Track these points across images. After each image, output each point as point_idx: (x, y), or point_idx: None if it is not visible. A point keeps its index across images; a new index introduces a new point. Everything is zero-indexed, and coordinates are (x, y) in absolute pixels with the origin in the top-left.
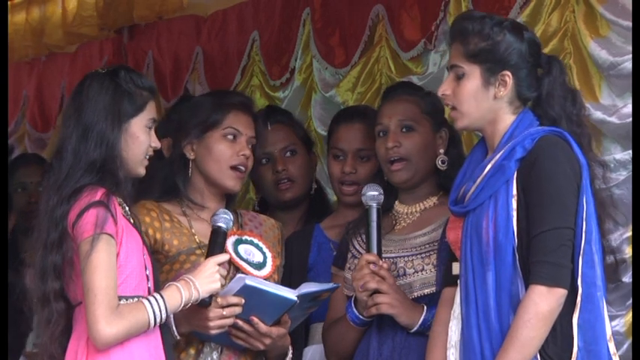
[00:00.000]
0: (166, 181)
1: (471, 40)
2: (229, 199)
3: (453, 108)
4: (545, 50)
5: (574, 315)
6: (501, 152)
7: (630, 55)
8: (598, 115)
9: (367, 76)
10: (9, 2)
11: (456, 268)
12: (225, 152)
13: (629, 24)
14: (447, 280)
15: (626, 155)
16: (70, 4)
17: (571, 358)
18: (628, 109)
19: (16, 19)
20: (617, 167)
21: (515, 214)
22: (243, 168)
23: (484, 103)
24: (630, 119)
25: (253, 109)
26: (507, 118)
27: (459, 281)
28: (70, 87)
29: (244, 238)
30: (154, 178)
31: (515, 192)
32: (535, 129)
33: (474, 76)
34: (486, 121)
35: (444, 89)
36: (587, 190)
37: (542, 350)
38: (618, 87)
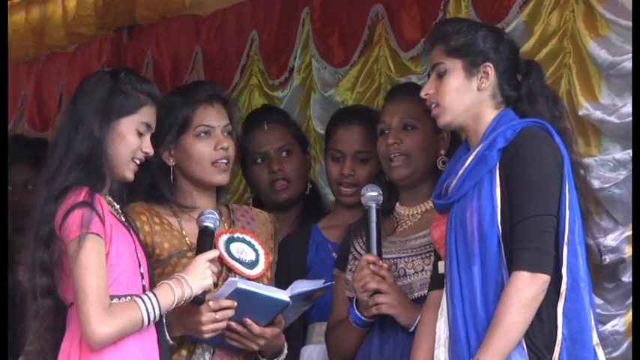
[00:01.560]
0: (152, 189)
1: (452, 38)
2: (219, 193)
3: (436, 105)
4: (545, 50)
5: (559, 304)
6: (483, 144)
7: (630, 55)
8: (597, 114)
9: (366, 75)
10: (8, 2)
11: (441, 266)
12: (203, 151)
13: (629, 23)
14: (433, 282)
15: (626, 155)
16: (70, 3)
17: (555, 345)
18: (627, 108)
19: (16, 18)
20: (617, 167)
21: (499, 203)
22: (225, 160)
23: (467, 96)
24: (630, 119)
25: (221, 96)
26: (489, 113)
27: (444, 279)
28: (69, 86)
29: (236, 235)
30: (137, 187)
31: (498, 182)
32: (517, 121)
33: (456, 69)
34: (469, 116)
35: (427, 89)
36: (570, 180)
37: (529, 340)
38: (618, 86)
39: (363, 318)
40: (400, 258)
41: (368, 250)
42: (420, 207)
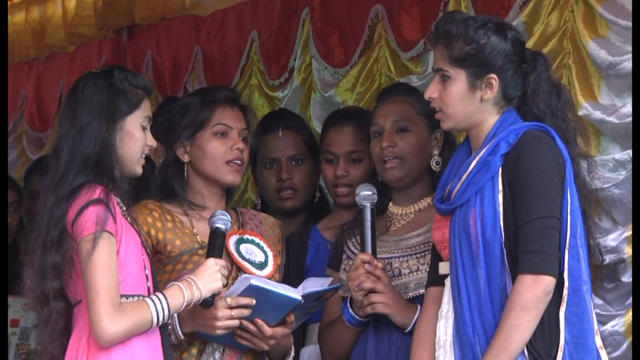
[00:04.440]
0: (164, 185)
1: (455, 45)
2: (228, 196)
3: (440, 110)
4: (545, 50)
5: (561, 308)
6: (485, 148)
7: (629, 55)
8: (597, 114)
9: (367, 75)
10: (8, 2)
11: (442, 267)
12: (218, 149)
13: (629, 24)
14: (432, 279)
15: (626, 155)
16: (70, 3)
17: (558, 351)
18: (627, 108)
19: (16, 19)
20: (617, 167)
21: (501, 209)
22: (239, 161)
23: (470, 106)
24: (629, 119)
25: (240, 100)
26: (492, 119)
27: (447, 280)
28: (69, 87)
29: (245, 237)
30: (149, 184)
31: (500, 187)
32: (519, 125)
33: (459, 79)
34: (472, 122)
35: (431, 92)
36: (572, 184)
37: (531, 345)
38: (617, 87)
39: (357, 317)
40: (395, 257)
41: (363, 250)
42: (413, 206)
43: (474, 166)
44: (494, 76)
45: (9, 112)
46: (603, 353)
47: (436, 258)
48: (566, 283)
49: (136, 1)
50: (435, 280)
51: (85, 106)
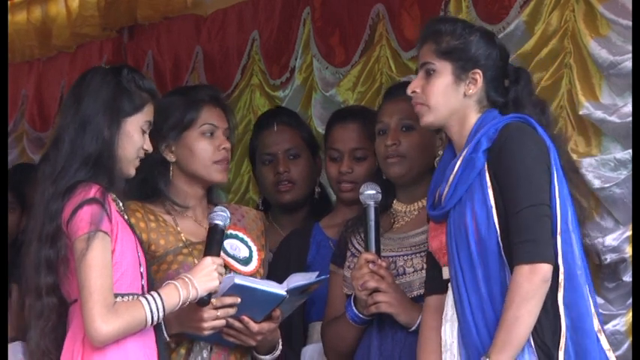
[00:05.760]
0: (145, 184)
1: (444, 39)
2: (209, 193)
3: (421, 104)
4: (546, 50)
5: (559, 294)
6: (468, 147)
7: (630, 55)
8: (598, 114)
9: (367, 75)
10: (9, 2)
11: (445, 272)
12: (206, 149)
13: (629, 23)
14: (432, 286)
15: (627, 154)
16: (73, 3)
17: (560, 336)
18: (628, 108)
19: (17, 18)
20: (618, 166)
21: (493, 204)
22: (226, 161)
23: (453, 99)
24: (630, 118)
25: (223, 100)
26: (473, 117)
27: (450, 284)
28: (70, 86)
29: (229, 232)
30: (130, 181)
31: (489, 183)
32: (498, 119)
33: (445, 72)
34: (453, 119)
35: (414, 87)
36: (558, 170)
37: (537, 336)
38: (618, 86)
39: (361, 316)
40: (399, 256)
41: (367, 249)
42: (417, 204)
43: (459, 166)
44: (479, 71)
45: (9, 112)
46: (602, 337)
47: (432, 267)
48: (561, 269)
49: (137, 1)
50: (433, 288)
51: (89, 99)
